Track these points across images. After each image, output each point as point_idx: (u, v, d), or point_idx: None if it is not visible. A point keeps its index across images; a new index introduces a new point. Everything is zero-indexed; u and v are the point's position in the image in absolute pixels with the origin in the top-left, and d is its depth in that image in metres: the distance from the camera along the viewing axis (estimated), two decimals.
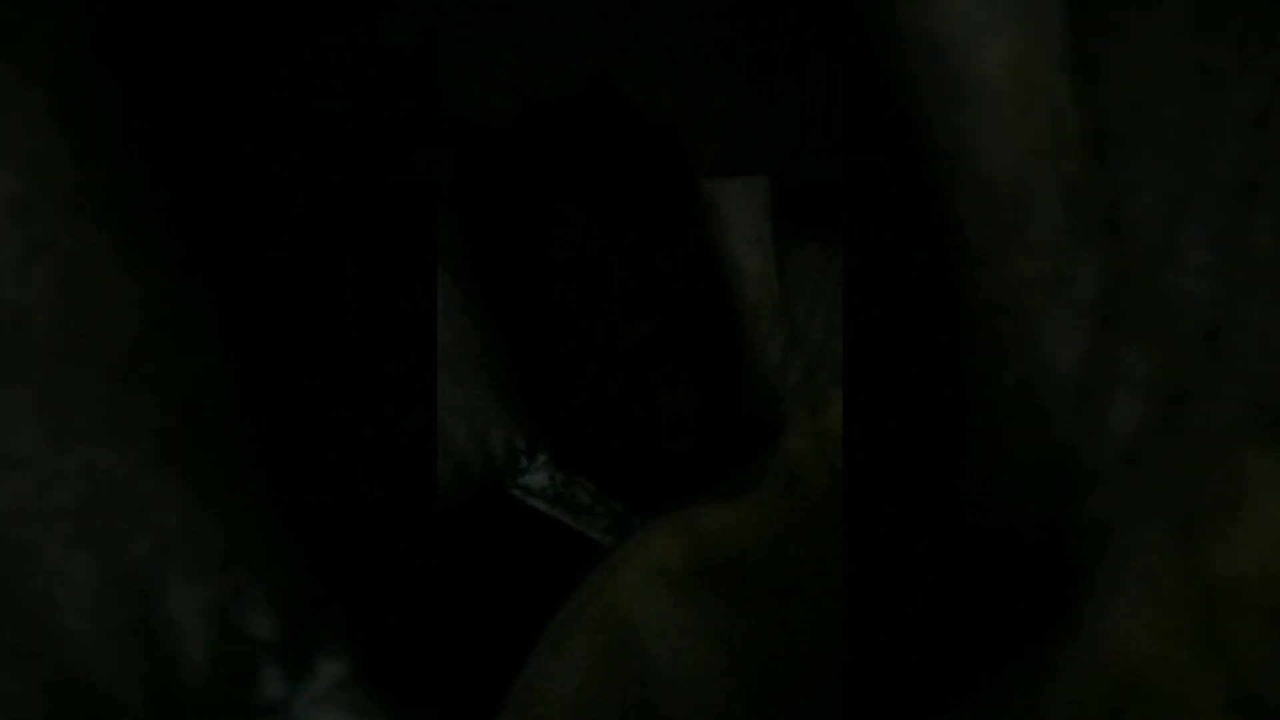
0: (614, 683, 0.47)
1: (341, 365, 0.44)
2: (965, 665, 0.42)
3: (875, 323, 0.44)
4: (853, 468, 0.44)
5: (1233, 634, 0.38)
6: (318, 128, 0.44)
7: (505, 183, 0.64)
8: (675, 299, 0.60)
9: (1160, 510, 0.41)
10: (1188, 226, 0.41)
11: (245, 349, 0.42)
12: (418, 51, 0.44)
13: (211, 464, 0.40)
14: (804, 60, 0.85)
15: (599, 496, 0.64)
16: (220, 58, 0.42)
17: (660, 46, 0.85)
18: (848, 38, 0.43)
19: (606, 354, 0.59)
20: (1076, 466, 0.42)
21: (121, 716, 0.37)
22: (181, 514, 0.39)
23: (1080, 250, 0.41)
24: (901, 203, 0.44)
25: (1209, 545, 0.40)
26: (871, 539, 0.43)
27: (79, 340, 0.38)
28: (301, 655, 0.40)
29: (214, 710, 0.38)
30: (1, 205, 0.37)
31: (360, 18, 0.43)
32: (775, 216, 0.76)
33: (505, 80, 0.69)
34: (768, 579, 0.52)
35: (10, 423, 0.37)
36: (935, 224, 0.43)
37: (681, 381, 0.60)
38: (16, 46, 0.37)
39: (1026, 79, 0.41)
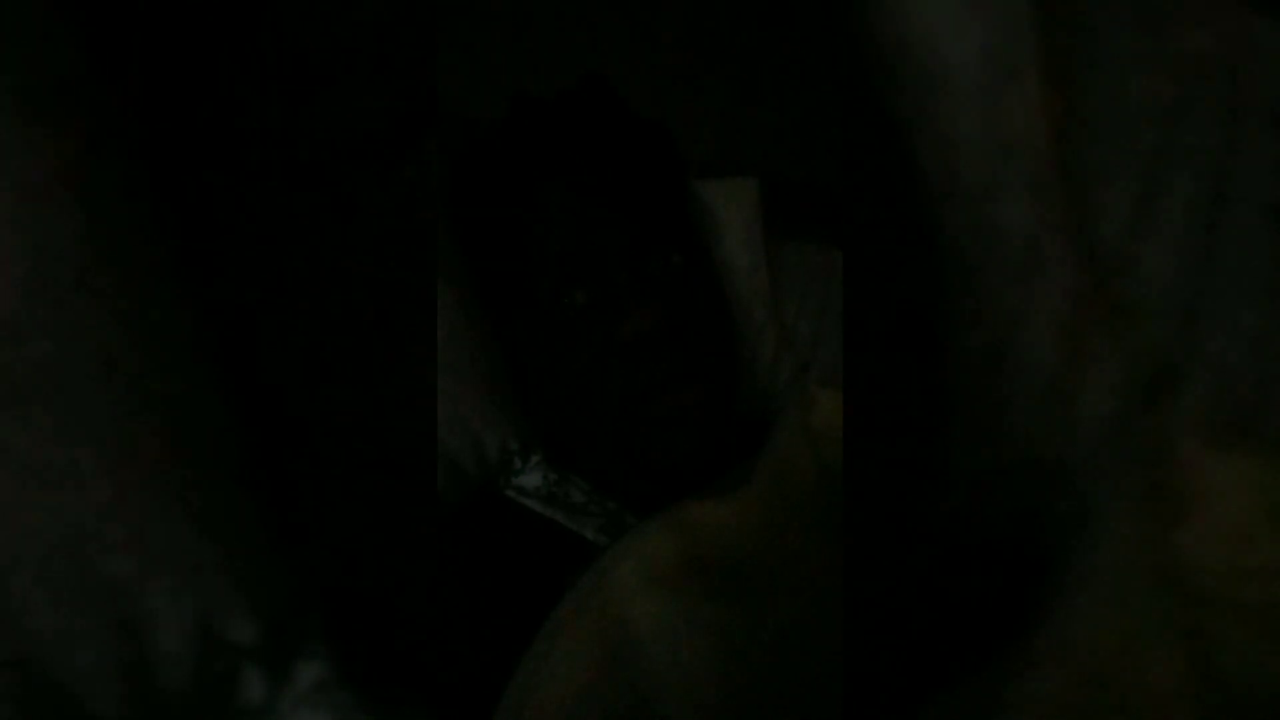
0: (609, 682, 0.47)
1: (338, 366, 0.44)
2: (951, 657, 0.42)
3: (870, 319, 0.44)
4: (851, 464, 0.45)
5: (1199, 625, 0.39)
6: (314, 128, 0.44)
7: (499, 182, 0.64)
8: (669, 297, 0.60)
9: (1130, 506, 0.41)
10: (1157, 222, 0.42)
11: (236, 350, 0.42)
12: (416, 52, 0.44)
13: (192, 467, 0.40)
14: (793, 61, 0.85)
15: (593, 496, 0.64)
16: (211, 55, 0.42)
17: (652, 48, 0.85)
18: (833, 38, 0.43)
19: (601, 351, 0.59)
20: (1050, 459, 0.42)
21: None
22: (161, 518, 0.39)
23: (1049, 242, 0.41)
24: (888, 199, 0.44)
25: (1175, 542, 0.40)
26: (868, 535, 0.44)
27: (54, 341, 0.38)
28: (282, 658, 0.40)
29: (195, 714, 0.38)
30: None
31: (358, 16, 0.43)
32: (766, 216, 0.76)
33: (498, 80, 0.70)
34: (760, 575, 0.53)
35: None
36: (915, 219, 0.43)
37: (676, 379, 0.60)
38: None
39: (995, 75, 0.41)
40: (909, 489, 0.45)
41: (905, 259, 0.44)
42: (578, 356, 0.60)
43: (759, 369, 0.75)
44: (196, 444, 0.41)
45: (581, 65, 0.67)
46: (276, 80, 0.43)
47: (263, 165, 0.43)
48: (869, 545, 0.43)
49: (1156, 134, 0.41)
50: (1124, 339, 0.42)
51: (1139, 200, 0.41)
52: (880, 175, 0.44)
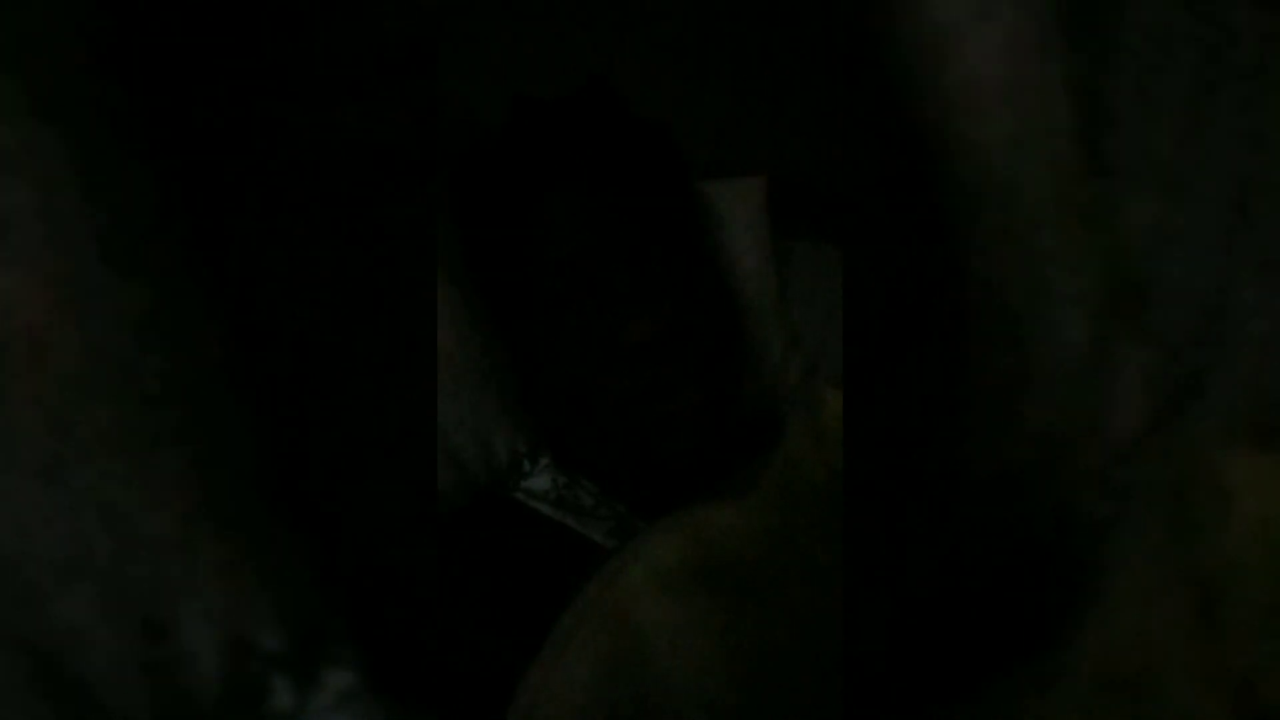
0: (618, 685, 0.47)
1: (342, 372, 0.44)
2: (967, 665, 0.42)
3: (876, 319, 0.44)
4: (853, 466, 0.44)
5: (1229, 633, 0.39)
6: (317, 131, 0.43)
7: (503, 185, 0.64)
8: (676, 299, 0.60)
9: (1157, 510, 0.41)
10: (1184, 221, 0.41)
11: (246, 357, 0.42)
12: (417, 53, 0.44)
13: (214, 476, 0.40)
14: (799, 60, 0.85)
15: (602, 499, 0.64)
16: (218, 58, 0.42)
17: (655, 48, 0.85)
18: (845, 31, 0.43)
19: (608, 354, 0.59)
20: (1076, 462, 0.42)
21: None
22: (186, 525, 0.39)
23: (1074, 241, 0.41)
24: (900, 196, 0.44)
25: (1203, 546, 0.40)
26: (872, 538, 0.43)
27: (80, 348, 0.38)
28: (310, 666, 0.40)
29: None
30: None
31: (360, 18, 0.43)
32: (772, 216, 0.76)
33: (500, 82, 0.69)
34: (769, 579, 0.52)
35: (12, 440, 0.37)
36: (932, 216, 0.43)
37: (684, 381, 0.59)
38: None
39: (1018, 68, 0.41)
40: (917, 492, 0.44)
41: (925, 261, 0.44)
42: (581, 360, 0.60)
43: (766, 369, 0.75)
44: (219, 450, 0.40)
45: (584, 67, 0.66)
46: (280, 83, 0.43)
47: (267, 168, 0.43)
48: (871, 547, 0.43)
49: (1180, 134, 0.41)
50: (1150, 342, 0.41)
51: (1164, 201, 0.41)
52: (900, 177, 0.43)
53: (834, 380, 0.73)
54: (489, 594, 0.58)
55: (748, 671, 0.48)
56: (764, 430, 0.65)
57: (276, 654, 0.39)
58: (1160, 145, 0.41)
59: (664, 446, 0.60)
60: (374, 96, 0.44)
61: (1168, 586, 0.40)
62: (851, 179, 0.44)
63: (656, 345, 0.58)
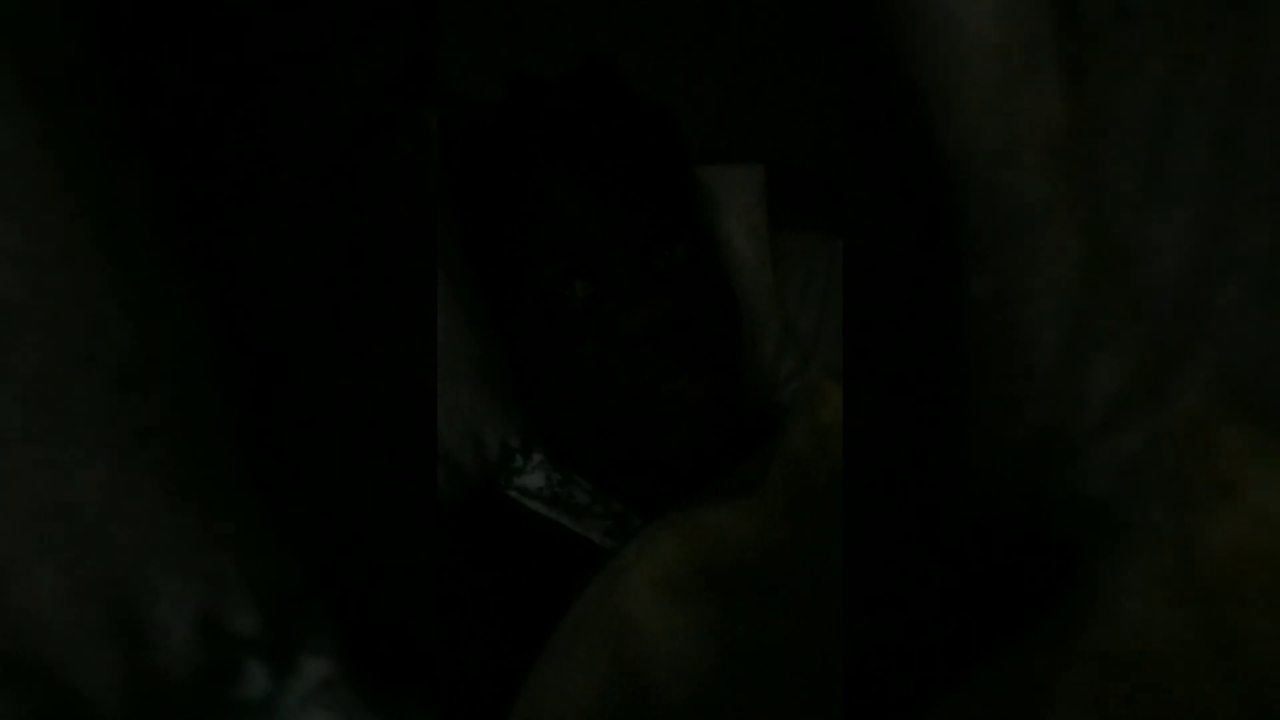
0: (621, 689, 0.46)
1: (337, 361, 0.44)
2: (964, 656, 0.41)
3: (874, 305, 0.44)
4: (852, 457, 0.44)
5: (1234, 618, 0.38)
6: (312, 112, 0.43)
7: (497, 168, 0.62)
8: (674, 287, 0.59)
9: (1154, 493, 0.40)
10: (1167, 203, 0.41)
11: (235, 343, 0.42)
12: (416, 41, 0.44)
13: (192, 457, 0.39)
14: (800, 46, 0.85)
15: (597, 496, 0.63)
16: (210, 43, 0.42)
17: (656, 31, 0.84)
18: (846, 15, 0.43)
19: (604, 345, 0.58)
20: (1058, 439, 0.42)
21: (100, 716, 0.37)
22: (161, 508, 0.38)
23: (1059, 221, 0.41)
24: (899, 174, 0.43)
25: (1206, 530, 0.39)
26: (871, 530, 0.43)
27: (51, 332, 0.37)
28: (287, 652, 0.39)
29: (196, 708, 0.38)
30: None
31: (357, 7, 0.43)
32: (770, 204, 0.74)
33: (498, 61, 0.68)
34: (772, 581, 0.51)
35: None
36: (926, 202, 0.43)
37: (682, 370, 0.58)
38: None
39: (1012, 42, 0.41)
40: (919, 477, 0.44)
41: (917, 235, 0.43)
42: (579, 350, 0.59)
43: (761, 359, 0.74)
44: (196, 434, 0.40)
45: (584, 46, 0.65)
46: (274, 59, 0.42)
47: (262, 149, 0.43)
48: (871, 539, 0.43)
49: (1164, 114, 0.41)
50: (1131, 321, 0.41)
51: (1146, 172, 0.41)
52: (892, 149, 0.43)
53: (830, 371, 0.72)
54: (480, 592, 0.57)
55: (751, 674, 0.46)
56: (759, 423, 0.64)
57: (250, 637, 0.38)
58: (1146, 131, 0.41)
59: (660, 438, 0.59)
60: (370, 70, 0.43)
61: (1173, 579, 0.39)
62: (855, 164, 0.43)
63: (653, 336, 0.57)
